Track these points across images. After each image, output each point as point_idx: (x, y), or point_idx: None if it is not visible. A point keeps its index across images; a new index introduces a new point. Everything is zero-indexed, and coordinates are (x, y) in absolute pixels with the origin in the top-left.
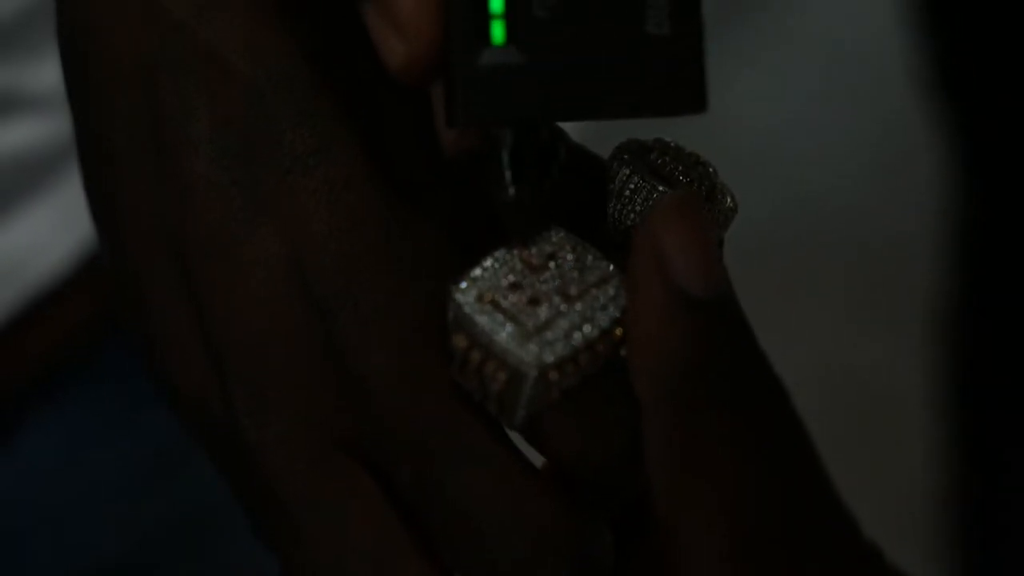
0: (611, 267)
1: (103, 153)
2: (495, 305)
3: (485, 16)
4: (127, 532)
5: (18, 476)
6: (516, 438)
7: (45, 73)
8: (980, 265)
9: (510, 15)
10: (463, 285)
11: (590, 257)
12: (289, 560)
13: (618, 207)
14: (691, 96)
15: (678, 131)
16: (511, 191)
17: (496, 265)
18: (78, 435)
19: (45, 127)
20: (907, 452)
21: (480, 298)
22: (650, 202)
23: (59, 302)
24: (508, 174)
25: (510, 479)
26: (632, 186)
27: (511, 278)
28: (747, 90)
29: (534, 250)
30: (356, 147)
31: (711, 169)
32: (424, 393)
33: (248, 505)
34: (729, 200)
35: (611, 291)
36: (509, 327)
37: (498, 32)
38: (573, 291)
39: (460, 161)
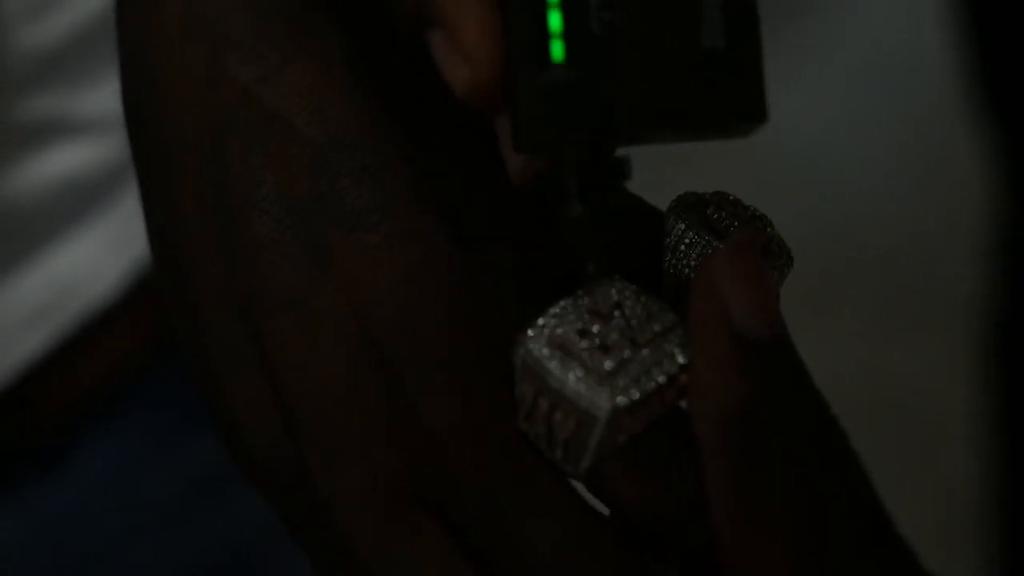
0: (675, 316)
1: (170, 216)
2: (565, 351)
3: (544, 35)
4: (175, 555)
5: (71, 499)
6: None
7: (96, 97)
8: (1019, 274)
9: (568, 33)
10: (531, 332)
11: (654, 306)
12: None
13: (673, 261)
14: (751, 109)
15: (695, 148)
16: (578, 208)
17: (563, 313)
18: (129, 458)
19: (95, 151)
20: (947, 463)
21: (550, 344)
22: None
23: (110, 326)
24: (574, 191)
25: (578, 529)
26: (688, 241)
27: (579, 325)
28: (782, 97)
29: (599, 299)
30: (418, 201)
31: (768, 223)
32: (490, 445)
33: (316, 557)
34: (784, 255)
35: (677, 339)
36: (579, 371)
37: (557, 51)
38: (641, 339)
39: (527, 190)
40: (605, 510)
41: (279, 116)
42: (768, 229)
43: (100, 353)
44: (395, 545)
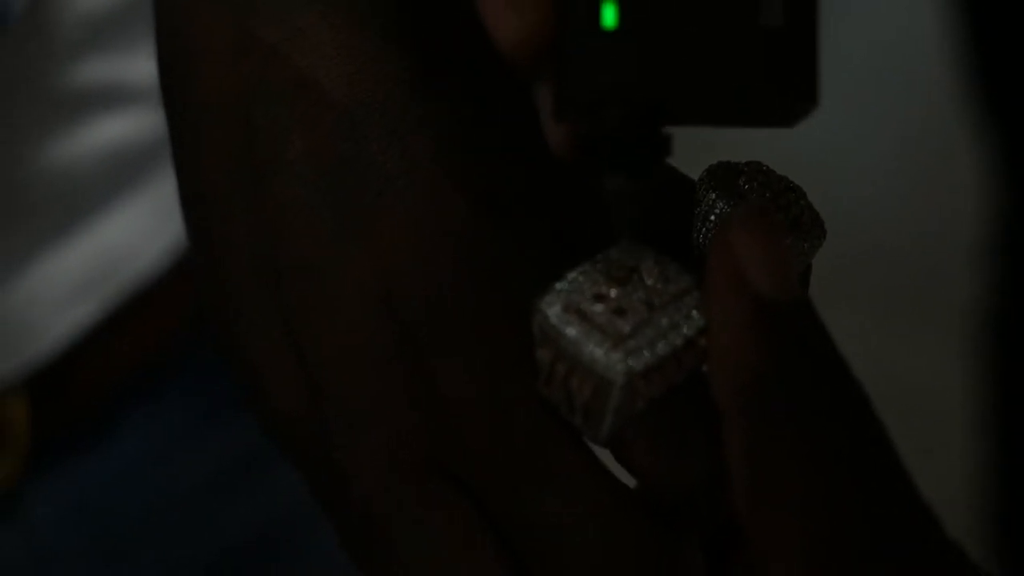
0: (693, 279)
1: (199, 178)
2: (581, 316)
3: None
4: (205, 533)
5: (110, 474)
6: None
7: (147, 65)
8: (1019, 273)
9: None
10: (548, 297)
11: (672, 270)
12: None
13: (704, 231)
14: (802, 92)
15: (714, 136)
16: (621, 178)
17: (580, 278)
18: (167, 435)
19: (145, 120)
20: (945, 461)
21: (566, 309)
22: None
23: (153, 301)
24: (617, 161)
25: (598, 501)
26: (717, 211)
27: (595, 289)
28: None
29: (617, 263)
30: (446, 167)
31: (801, 195)
32: (510, 413)
33: (339, 522)
34: (817, 227)
35: (694, 301)
36: (596, 336)
37: (609, 16)
38: (657, 302)
39: (566, 162)
40: (630, 480)
41: (307, 78)
42: (801, 201)
43: (142, 329)
44: (414, 510)
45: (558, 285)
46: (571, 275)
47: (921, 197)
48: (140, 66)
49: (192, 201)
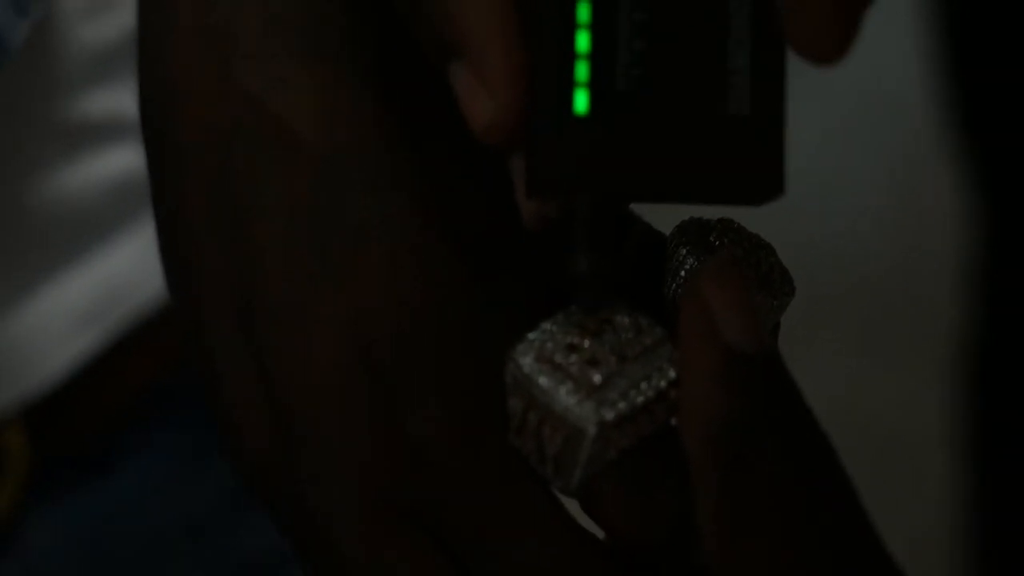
0: (665, 331)
1: (179, 218)
2: (554, 366)
3: (570, 84)
4: (202, 564)
5: (110, 505)
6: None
7: None
8: (999, 306)
9: (595, 86)
10: (521, 347)
11: (644, 322)
12: None
13: (674, 286)
14: (768, 181)
15: None
16: (583, 263)
17: (554, 328)
18: (167, 466)
19: (143, 154)
20: (924, 490)
21: (539, 359)
22: None
23: (153, 332)
24: (582, 245)
25: (568, 551)
26: (688, 265)
27: (568, 340)
28: None
29: (590, 314)
30: (422, 217)
31: (771, 252)
32: (480, 462)
33: (310, 567)
34: (787, 284)
35: (666, 353)
36: (568, 385)
37: (581, 102)
38: (630, 353)
39: (536, 233)
40: (598, 531)
41: (286, 125)
42: (771, 258)
43: (142, 360)
44: (384, 557)
45: (531, 335)
46: (544, 325)
47: (902, 229)
48: None
49: (169, 239)
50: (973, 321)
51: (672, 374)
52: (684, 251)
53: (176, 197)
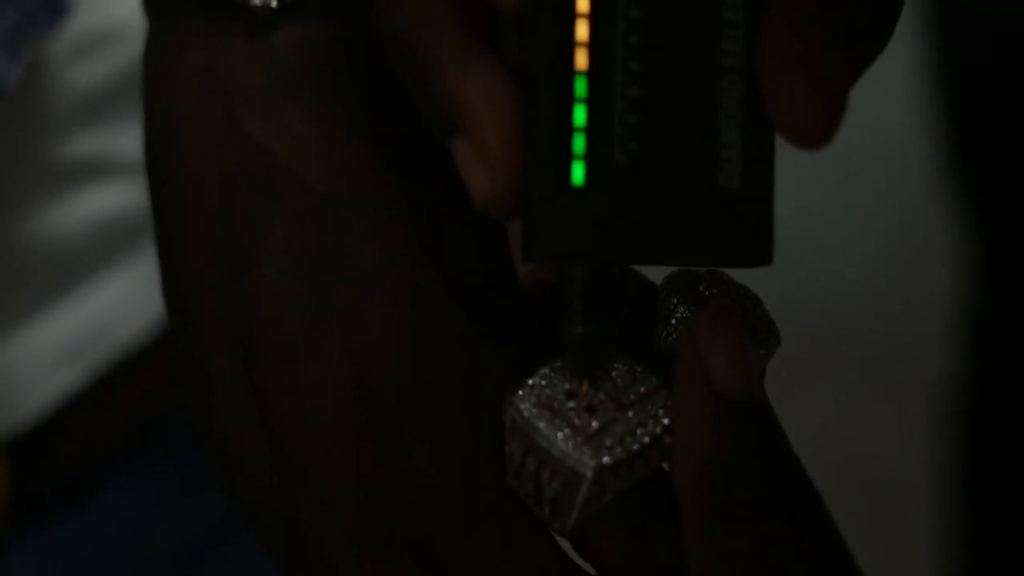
0: (659, 379)
1: (180, 259)
2: (553, 411)
3: (567, 157)
4: None
5: (91, 539)
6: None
7: (132, 140)
8: (990, 354)
9: (591, 159)
10: (520, 392)
11: (639, 369)
12: None
13: (665, 334)
14: (757, 250)
15: None
16: (579, 328)
17: (552, 374)
18: (149, 500)
19: (132, 193)
20: (911, 535)
21: (538, 404)
22: None
23: (136, 369)
24: (577, 310)
25: None
26: (678, 315)
27: (566, 386)
28: None
29: None
30: (421, 262)
31: (758, 303)
32: (478, 501)
33: None
34: (773, 335)
35: (661, 400)
36: (567, 431)
37: (578, 174)
38: (626, 400)
39: (533, 293)
40: (590, 572)
41: (289, 171)
42: (757, 309)
43: (126, 395)
44: None
45: (530, 380)
46: (543, 371)
47: (894, 278)
48: (129, 140)
49: (171, 278)
50: (962, 369)
51: (666, 421)
52: (675, 300)
53: (179, 236)
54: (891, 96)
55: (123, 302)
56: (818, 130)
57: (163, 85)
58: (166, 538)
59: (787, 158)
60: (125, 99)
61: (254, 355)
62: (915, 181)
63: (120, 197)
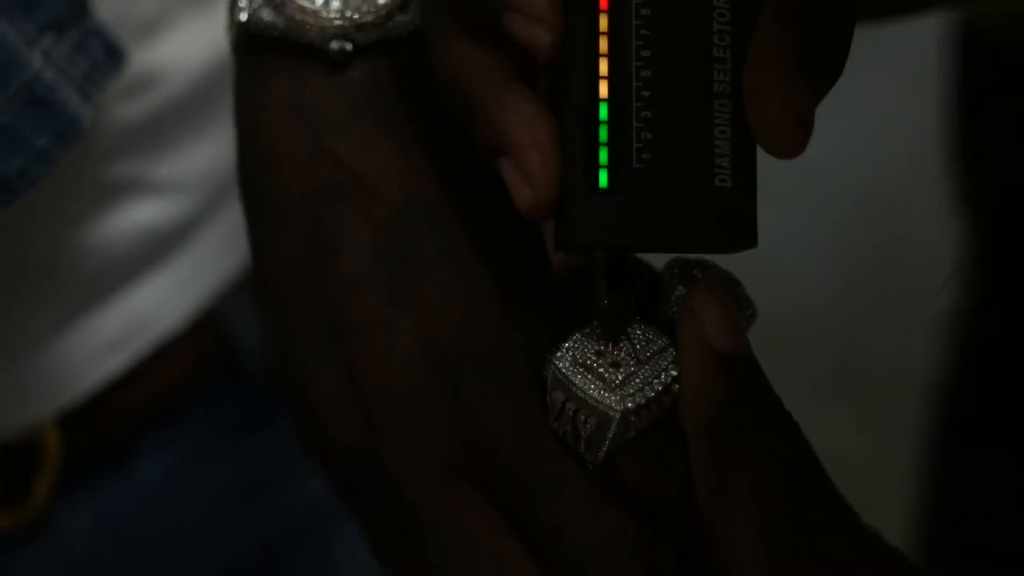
0: (668, 340)
1: (275, 259)
2: (585, 367)
3: (595, 167)
4: (215, 548)
5: (133, 496)
6: None
7: (165, 164)
8: (975, 366)
9: (613, 167)
10: (559, 353)
11: (651, 333)
12: (412, 571)
13: (666, 307)
14: (745, 236)
15: None
16: (605, 301)
17: (583, 338)
18: (183, 461)
19: (168, 207)
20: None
21: (573, 362)
22: None
23: (175, 352)
24: (604, 287)
25: (596, 502)
26: (678, 293)
27: (595, 347)
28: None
29: None
30: (475, 251)
31: (739, 284)
32: (529, 436)
33: (380, 532)
34: (750, 309)
35: (670, 357)
36: (598, 383)
37: (604, 180)
38: (642, 357)
39: (564, 276)
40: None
41: (367, 181)
42: (739, 289)
43: (165, 374)
44: (451, 512)
45: (565, 343)
46: (575, 336)
47: (882, 283)
48: (164, 164)
49: (267, 274)
50: (954, 377)
51: (675, 372)
52: (675, 281)
53: (273, 240)
54: (875, 111)
55: (160, 300)
56: (791, 144)
57: (255, 111)
58: (200, 492)
59: (786, 164)
60: (161, 130)
61: (342, 330)
62: (903, 192)
63: (157, 211)
